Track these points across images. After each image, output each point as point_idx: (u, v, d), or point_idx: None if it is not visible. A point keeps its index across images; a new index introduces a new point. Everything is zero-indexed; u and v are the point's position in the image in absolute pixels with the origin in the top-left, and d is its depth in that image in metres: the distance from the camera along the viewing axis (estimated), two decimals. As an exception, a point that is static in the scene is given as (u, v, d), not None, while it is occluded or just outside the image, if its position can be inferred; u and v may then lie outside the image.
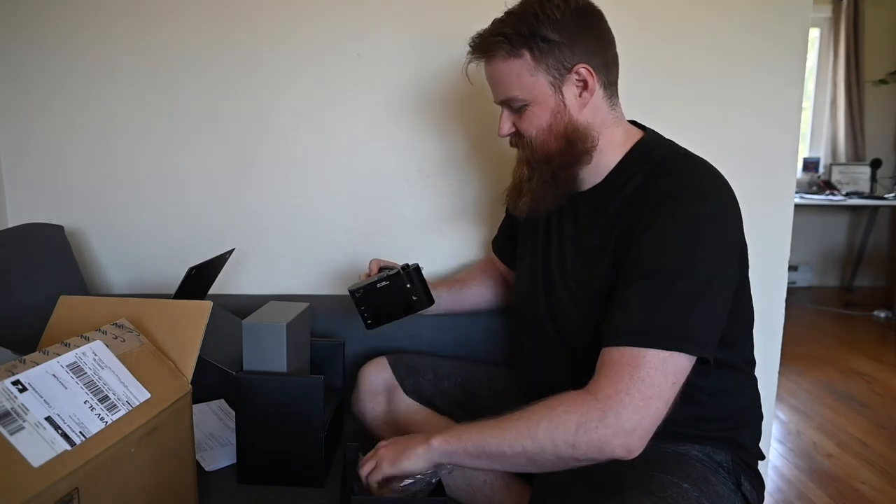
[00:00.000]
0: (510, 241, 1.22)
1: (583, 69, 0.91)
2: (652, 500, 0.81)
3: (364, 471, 0.90)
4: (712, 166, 0.93)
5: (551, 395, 1.01)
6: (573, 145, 0.93)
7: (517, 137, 0.98)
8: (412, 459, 0.87)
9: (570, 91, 0.92)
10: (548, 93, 0.92)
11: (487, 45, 0.93)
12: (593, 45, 0.92)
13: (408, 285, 1.09)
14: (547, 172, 0.95)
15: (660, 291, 0.83)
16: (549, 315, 1.02)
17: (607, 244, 0.91)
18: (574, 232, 0.99)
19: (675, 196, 0.86)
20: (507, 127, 0.98)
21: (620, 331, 0.83)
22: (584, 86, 0.92)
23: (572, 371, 0.90)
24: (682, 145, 0.98)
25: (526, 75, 0.91)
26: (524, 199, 0.98)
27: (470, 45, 0.97)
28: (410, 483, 0.89)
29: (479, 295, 1.29)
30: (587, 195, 0.98)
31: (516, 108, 0.95)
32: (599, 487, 0.87)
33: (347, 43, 1.40)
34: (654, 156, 0.94)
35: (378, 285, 1.09)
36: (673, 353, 0.80)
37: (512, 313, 1.28)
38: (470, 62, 0.99)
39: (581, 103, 0.93)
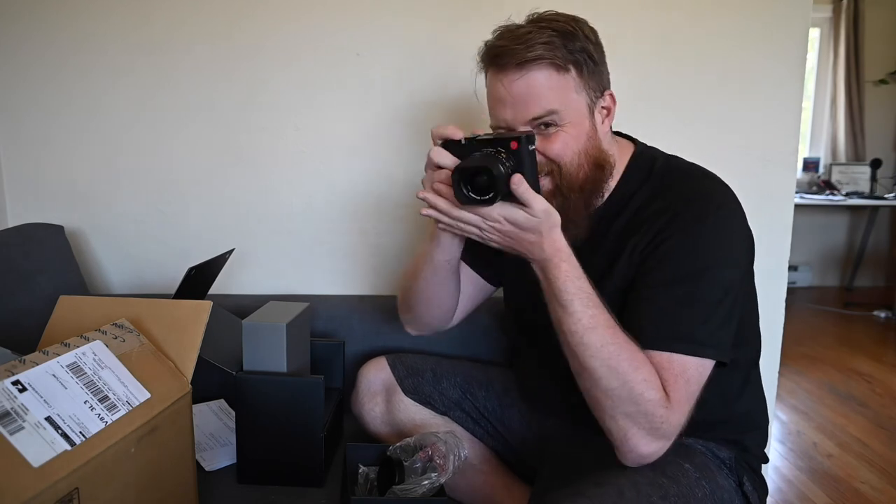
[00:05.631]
0: (498, 263, 1.05)
1: (609, 95, 0.91)
2: (651, 469, 0.83)
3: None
4: (711, 172, 0.93)
5: (552, 397, 1.01)
6: (601, 170, 0.91)
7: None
8: (529, 239, 0.81)
9: (599, 116, 0.91)
10: (584, 114, 0.89)
11: (526, 56, 0.83)
12: (608, 72, 0.92)
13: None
14: (579, 201, 0.90)
15: (685, 298, 0.83)
16: (545, 354, 0.97)
17: (616, 265, 0.90)
18: (578, 254, 0.93)
19: (688, 210, 0.86)
20: None
21: (658, 334, 0.83)
22: (607, 112, 0.91)
23: (568, 384, 0.88)
24: (683, 145, 0.98)
25: (571, 93, 0.87)
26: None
27: (492, 55, 0.87)
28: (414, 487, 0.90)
29: (454, 293, 1.06)
30: (591, 216, 0.95)
31: (545, 130, 0.87)
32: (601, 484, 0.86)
33: (347, 43, 1.40)
34: (653, 169, 0.94)
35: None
36: (704, 360, 0.83)
37: (507, 319, 1.22)
38: (484, 74, 0.90)
39: (604, 129, 0.92)
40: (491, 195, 0.77)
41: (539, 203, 0.79)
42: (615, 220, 0.93)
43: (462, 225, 0.83)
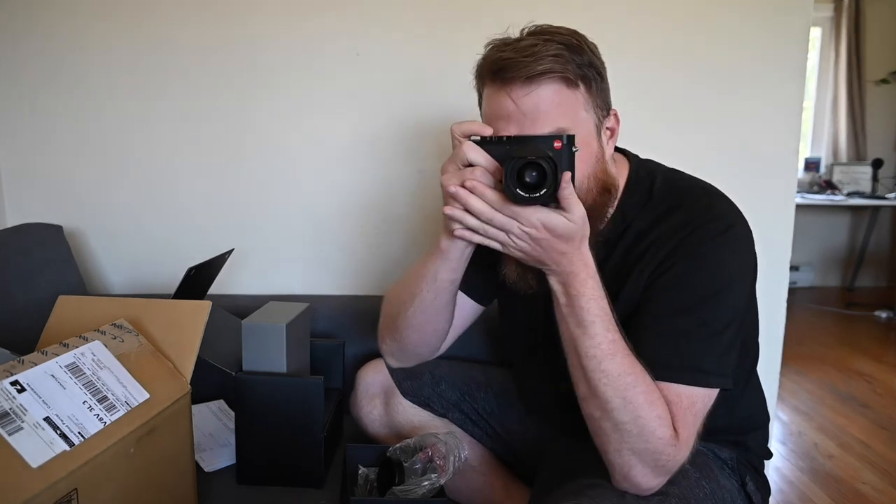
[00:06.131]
0: (490, 280, 0.97)
1: (613, 115, 0.87)
2: None
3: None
4: (712, 188, 0.90)
5: (551, 398, 1.00)
6: (608, 194, 0.86)
7: None
8: (562, 250, 0.75)
9: (604, 136, 0.86)
10: (592, 134, 0.83)
11: (536, 69, 0.77)
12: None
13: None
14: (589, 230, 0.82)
15: (692, 327, 0.81)
16: (546, 362, 0.97)
17: (622, 291, 0.86)
18: None
19: (693, 235, 0.83)
20: None
21: (667, 365, 0.80)
22: (611, 133, 0.87)
23: (570, 391, 0.86)
24: (684, 146, 0.97)
25: (581, 111, 0.82)
26: None
27: (496, 68, 0.80)
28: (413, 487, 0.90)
29: (450, 318, 1.01)
30: (595, 241, 0.90)
31: None
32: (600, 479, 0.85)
33: (347, 42, 1.40)
34: (653, 189, 0.89)
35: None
36: (712, 390, 0.81)
37: (502, 328, 1.16)
38: (480, 88, 0.86)
39: (609, 150, 0.87)
40: (544, 192, 0.71)
41: (579, 209, 0.74)
42: (618, 244, 0.89)
43: (490, 229, 0.76)
